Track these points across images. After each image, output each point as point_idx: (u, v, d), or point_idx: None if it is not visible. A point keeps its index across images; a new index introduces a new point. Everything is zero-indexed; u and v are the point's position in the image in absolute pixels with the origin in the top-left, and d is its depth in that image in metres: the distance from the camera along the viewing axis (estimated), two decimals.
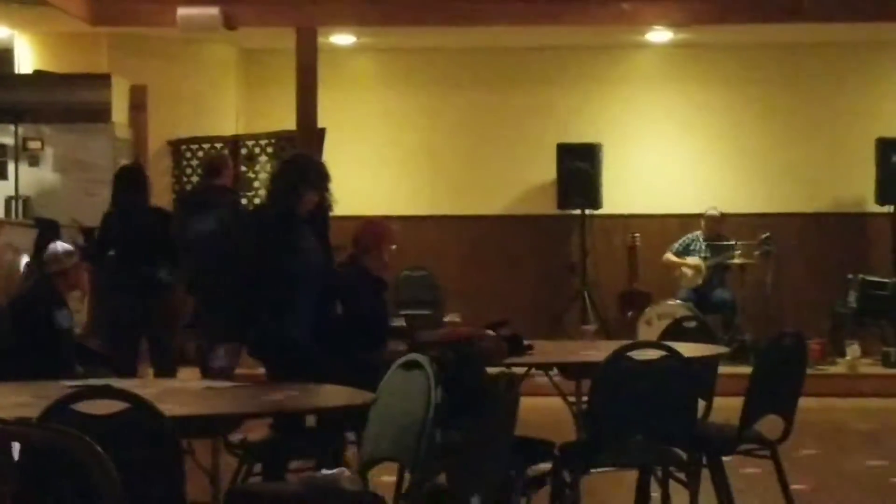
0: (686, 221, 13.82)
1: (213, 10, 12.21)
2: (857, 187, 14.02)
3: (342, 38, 13.88)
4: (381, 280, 6.85)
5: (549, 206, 14.06)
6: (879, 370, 12.74)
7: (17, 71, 13.16)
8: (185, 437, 4.51)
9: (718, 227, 13.49)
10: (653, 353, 5.59)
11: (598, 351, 6.20)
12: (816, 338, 12.43)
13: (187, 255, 10.67)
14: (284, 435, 5.90)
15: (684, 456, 5.83)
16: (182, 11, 12.18)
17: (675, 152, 14.45)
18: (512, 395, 4.88)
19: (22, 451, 3.58)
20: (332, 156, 13.07)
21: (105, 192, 11.94)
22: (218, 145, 13.32)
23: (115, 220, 9.72)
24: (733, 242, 13.31)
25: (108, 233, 9.69)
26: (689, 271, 13.41)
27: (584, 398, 5.95)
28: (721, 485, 6.14)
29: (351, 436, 5.97)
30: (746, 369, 6.40)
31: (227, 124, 14.02)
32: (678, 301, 12.92)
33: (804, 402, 6.27)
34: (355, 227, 6.92)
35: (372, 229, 6.93)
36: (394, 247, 6.87)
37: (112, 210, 9.74)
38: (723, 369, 6.92)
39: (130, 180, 9.79)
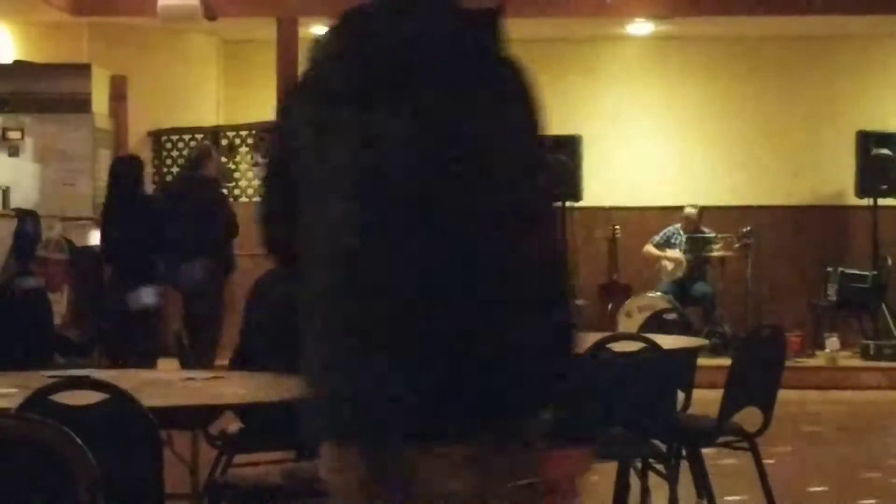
0: (666, 214, 13.83)
1: (194, 1, 12.18)
2: (837, 180, 14.05)
3: (323, 29, 13.84)
4: None
5: None
6: (858, 363, 12.78)
7: None
8: (165, 428, 4.50)
9: (697, 224, 13.50)
10: (632, 346, 5.60)
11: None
12: (796, 330, 12.47)
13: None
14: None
15: (663, 448, 5.84)
16: (162, 1, 12.14)
17: (655, 145, 14.46)
18: None
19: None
20: None
21: (85, 181, 11.94)
22: (199, 136, 13.28)
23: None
24: (713, 235, 13.33)
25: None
26: (669, 264, 13.42)
27: None
28: (700, 477, 6.17)
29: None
30: (725, 361, 6.42)
31: (208, 115, 13.99)
32: (658, 293, 12.95)
33: (783, 395, 6.29)
34: None
35: None
36: None
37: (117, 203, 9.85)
38: (702, 361, 6.95)
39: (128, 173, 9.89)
